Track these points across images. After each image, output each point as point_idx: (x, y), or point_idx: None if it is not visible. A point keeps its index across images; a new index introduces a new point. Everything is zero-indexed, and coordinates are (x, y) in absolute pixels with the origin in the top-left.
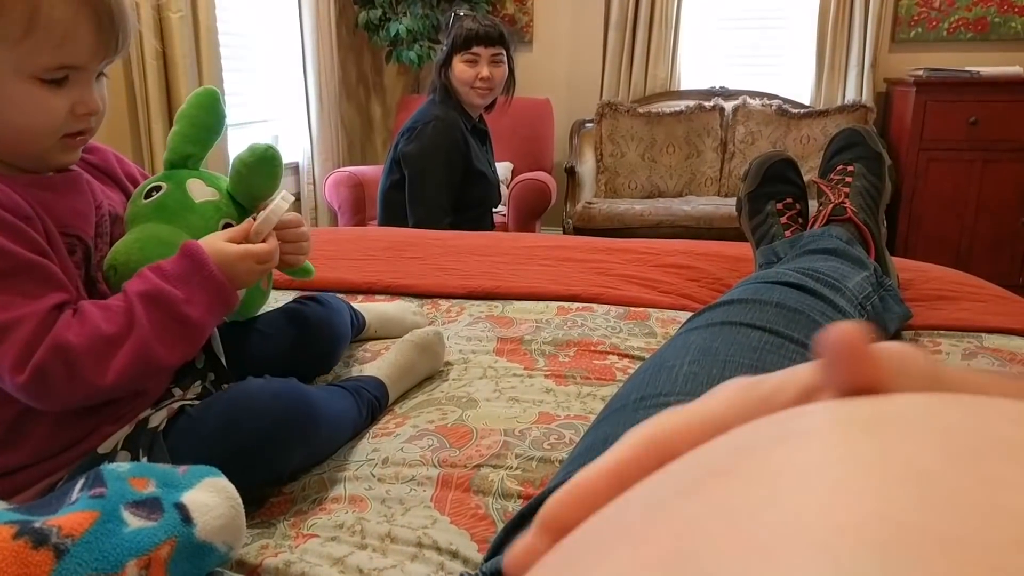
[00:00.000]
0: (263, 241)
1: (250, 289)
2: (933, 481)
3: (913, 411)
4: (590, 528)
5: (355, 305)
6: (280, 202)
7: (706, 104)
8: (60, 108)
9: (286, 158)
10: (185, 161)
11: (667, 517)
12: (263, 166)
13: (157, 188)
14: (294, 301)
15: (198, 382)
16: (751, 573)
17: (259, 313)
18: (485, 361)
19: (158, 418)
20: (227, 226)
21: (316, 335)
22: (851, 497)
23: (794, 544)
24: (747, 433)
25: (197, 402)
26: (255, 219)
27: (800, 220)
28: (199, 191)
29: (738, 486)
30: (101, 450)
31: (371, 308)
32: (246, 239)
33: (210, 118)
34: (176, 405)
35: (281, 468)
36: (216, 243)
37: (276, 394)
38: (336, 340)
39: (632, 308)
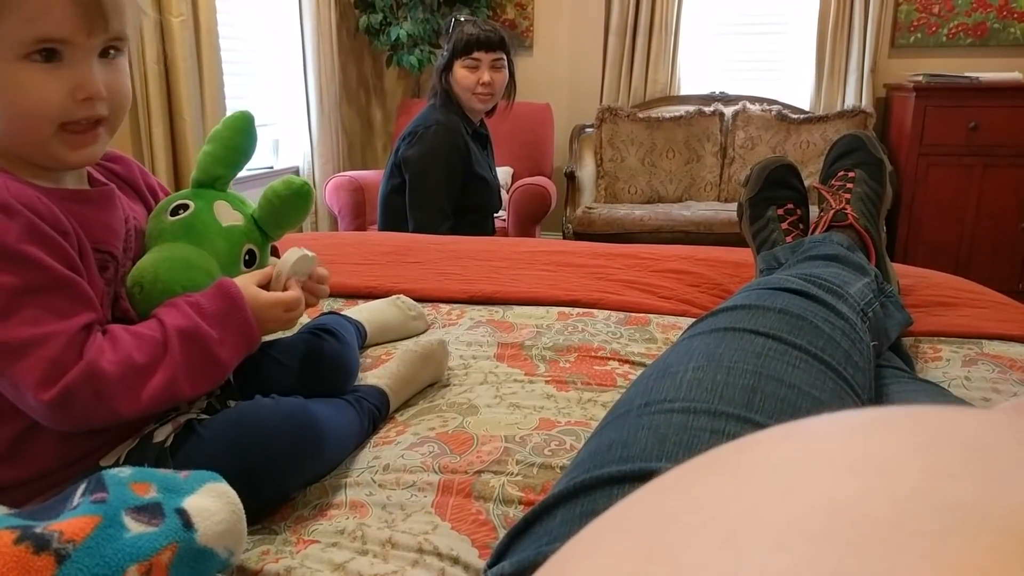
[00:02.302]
0: (286, 288)
1: None
2: (886, 472)
3: (899, 414)
4: (598, 519)
5: (353, 309)
6: (307, 255)
7: (706, 109)
8: (55, 91)
9: (286, 162)
10: (213, 182)
11: (652, 511)
12: (297, 201)
13: (184, 206)
14: (312, 332)
15: (203, 396)
16: (717, 564)
17: (274, 339)
18: (486, 366)
19: (163, 432)
20: (250, 252)
21: (329, 371)
22: (809, 488)
23: (754, 535)
24: (754, 434)
25: (203, 416)
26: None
27: (801, 226)
28: (226, 214)
29: (717, 480)
30: (103, 463)
31: (371, 317)
32: (269, 282)
33: (243, 141)
34: (182, 419)
35: (288, 488)
36: (249, 287)
37: (285, 416)
38: (347, 377)
39: (633, 313)
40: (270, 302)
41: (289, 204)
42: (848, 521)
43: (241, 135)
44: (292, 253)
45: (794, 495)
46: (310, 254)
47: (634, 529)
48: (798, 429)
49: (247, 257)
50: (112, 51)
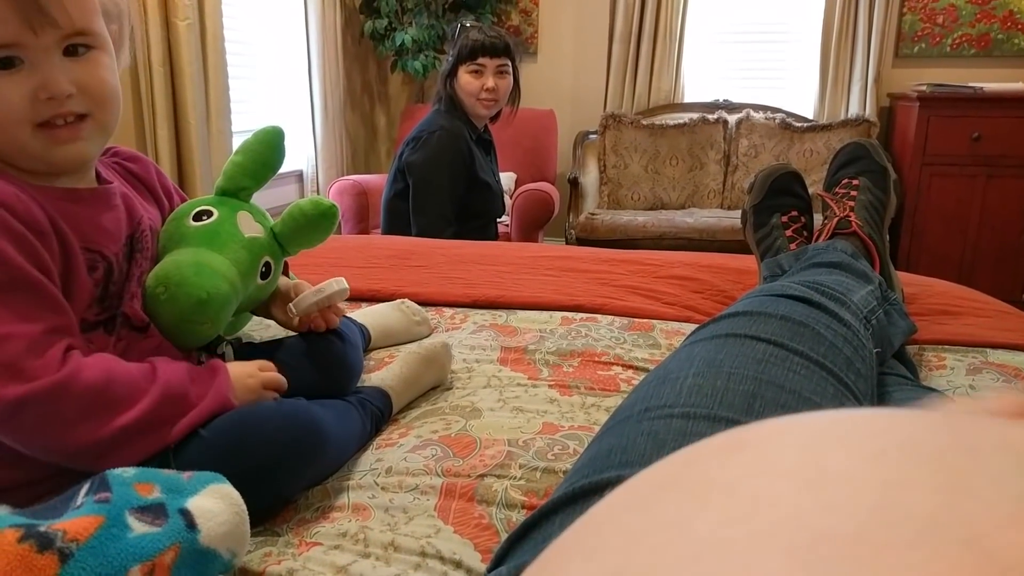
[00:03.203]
0: (301, 314)
1: (241, 316)
2: (843, 485)
3: (849, 421)
4: (559, 540)
5: (357, 313)
6: (346, 289)
7: (710, 117)
8: (17, 94)
9: (290, 165)
10: (238, 192)
11: (616, 531)
12: (322, 222)
13: (207, 213)
14: (316, 332)
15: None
16: None
17: (279, 338)
18: (489, 370)
19: None
20: (267, 264)
21: (333, 372)
22: (768, 504)
23: (717, 554)
24: (700, 445)
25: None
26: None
27: (805, 233)
28: (248, 225)
29: (676, 498)
30: None
31: (375, 321)
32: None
33: (272, 156)
34: None
35: (289, 490)
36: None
37: (287, 418)
38: (351, 378)
39: (636, 319)
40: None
41: (314, 224)
42: (811, 537)
43: (271, 150)
44: (337, 282)
45: (755, 512)
46: (344, 283)
47: (599, 551)
48: (749, 440)
49: (264, 269)
50: (82, 48)
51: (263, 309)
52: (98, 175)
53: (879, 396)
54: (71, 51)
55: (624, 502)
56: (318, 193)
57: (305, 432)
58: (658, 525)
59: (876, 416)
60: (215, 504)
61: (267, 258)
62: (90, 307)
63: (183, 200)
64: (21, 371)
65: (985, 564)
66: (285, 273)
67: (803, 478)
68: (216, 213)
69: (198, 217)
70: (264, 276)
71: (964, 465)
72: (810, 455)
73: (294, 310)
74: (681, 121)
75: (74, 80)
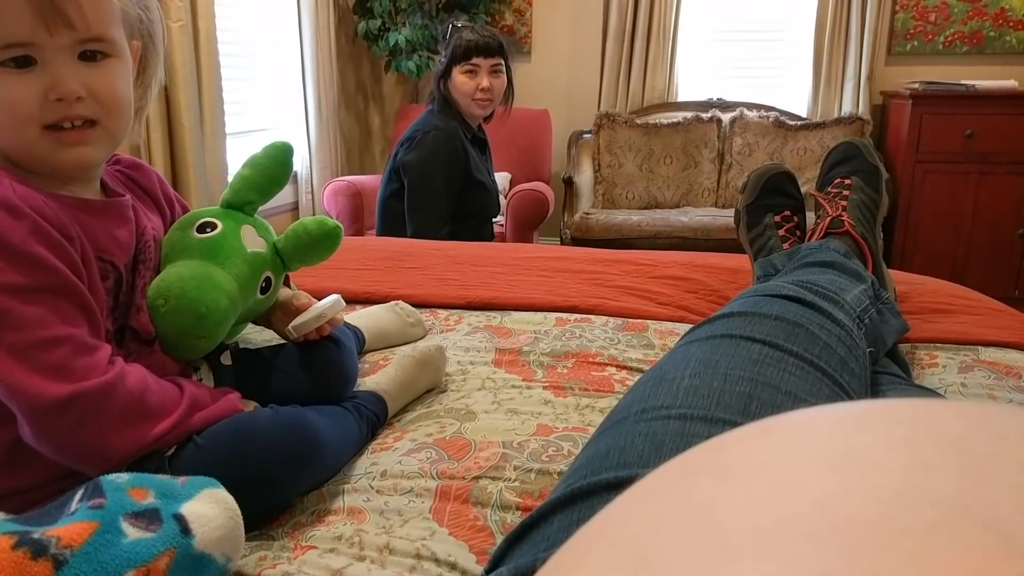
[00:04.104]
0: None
1: (236, 325)
2: (868, 470)
3: (876, 409)
4: (587, 526)
5: (351, 315)
6: (342, 303)
7: (703, 116)
8: (27, 94)
9: None
10: (243, 206)
11: (640, 516)
12: (327, 241)
13: (211, 225)
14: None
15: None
16: (709, 569)
17: (276, 344)
18: (483, 372)
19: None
20: (267, 279)
21: (328, 378)
22: (794, 489)
23: (744, 539)
24: (729, 433)
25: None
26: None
27: (798, 233)
28: (251, 240)
29: (702, 483)
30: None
31: (369, 323)
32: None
33: (279, 172)
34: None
35: (285, 498)
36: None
37: (283, 427)
38: (346, 384)
39: (630, 320)
40: None
41: (318, 243)
42: (835, 521)
43: (279, 166)
44: (331, 299)
45: (780, 496)
46: (343, 303)
47: (624, 536)
48: (777, 426)
49: (264, 284)
50: (99, 55)
51: (262, 319)
52: (105, 187)
53: (872, 395)
54: (88, 57)
55: (651, 488)
56: (312, 196)
57: (301, 441)
58: (683, 510)
59: (904, 404)
60: (210, 509)
61: (268, 273)
62: (104, 316)
63: (184, 209)
64: (72, 371)
65: (1005, 547)
66: (286, 284)
67: (828, 462)
68: (220, 226)
69: (202, 229)
70: (264, 291)
71: (990, 450)
72: (836, 440)
73: (294, 333)
74: (675, 120)
75: (86, 84)
